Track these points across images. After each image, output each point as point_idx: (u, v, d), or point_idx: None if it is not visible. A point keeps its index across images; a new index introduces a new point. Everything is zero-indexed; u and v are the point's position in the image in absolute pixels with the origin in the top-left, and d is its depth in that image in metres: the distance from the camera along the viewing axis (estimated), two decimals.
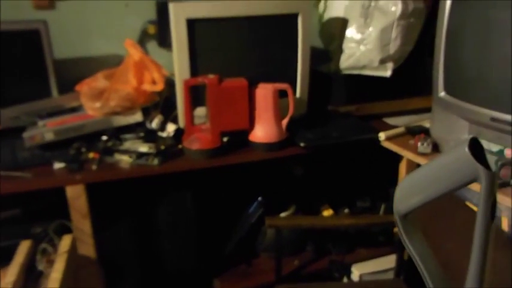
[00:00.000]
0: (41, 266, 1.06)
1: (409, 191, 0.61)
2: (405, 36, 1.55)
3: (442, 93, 1.30)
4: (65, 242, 1.13)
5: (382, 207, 1.69)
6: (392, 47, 1.54)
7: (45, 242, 1.11)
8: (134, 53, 1.44)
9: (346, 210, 1.68)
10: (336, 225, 1.48)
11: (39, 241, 1.13)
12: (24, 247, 1.11)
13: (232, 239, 1.55)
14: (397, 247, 1.46)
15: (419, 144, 1.33)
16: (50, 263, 1.06)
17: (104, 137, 1.39)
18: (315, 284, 1.36)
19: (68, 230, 1.21)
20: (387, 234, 1.65)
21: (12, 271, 1.00)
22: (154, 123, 1.46)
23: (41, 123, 1.38)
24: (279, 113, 1.41)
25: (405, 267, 1.44)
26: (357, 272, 1.56)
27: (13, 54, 1.43)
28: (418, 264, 0.63)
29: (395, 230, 1.61)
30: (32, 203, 1.35)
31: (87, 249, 1.26)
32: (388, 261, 1.58)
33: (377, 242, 1.65)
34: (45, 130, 1.33)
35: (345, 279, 1.57)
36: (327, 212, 1.65)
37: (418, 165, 1.39)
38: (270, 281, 1.44)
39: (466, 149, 0.53)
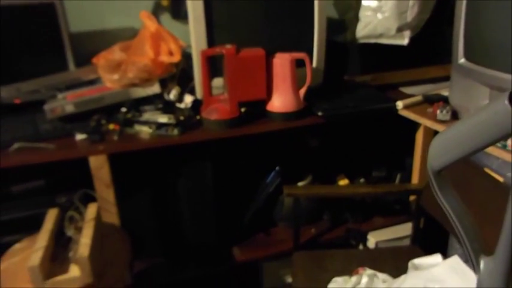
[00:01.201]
0: (69, 232, 1.08)
1: (444, 147, 0.61)
2: (422, 4, 1.53)
3: (462, 60, 1.29)
4: (91, 209, 1.15)
5: (398, 176, 1.70)
6: (410, 15, 1.53)
7: (72, 210, 1.13)
8: (150, 24, 1.43)
9: (362, 180, 1.69)
10: (353, 193, 1.49)
11: (65, 210, 1.15)
12: (52, 214, 1.13)
13: (250, 209, 1.57)
14: (413, 215, 1.48)
15: (438, 111, 1.33)
16: (78, 229, 1.09)
17: (123, 109, 1.40)
18: (332, 250, 1.38)
19: (92, 199, 1.24)
20: (403, 203, 1.67)
21: (43, 236, 1.03)
22: (172, 95, 1.46)
23: (60, 96, 1.39)
24: (296, 83, 1.40)
25: (421, 235, 1.47)
26: (373, 239, 1.58)
27: (29, 28, 1.42)
28: (452, 219, 0.64)
29: (411, 198, 1.62)
30: (55, 174, 1.37)
31: (111, 217, 1.29)
32: (404, 229, 1.60)
33: (393, 210, 1.67)
34: (66, 102, 1.34)
35: (361, 247, 1.60)
36: (343, 182, 1.67)
37: (436, 133, 1.39)
38: (288, 249, 1.47)
39: (506, 102, 0.53)
